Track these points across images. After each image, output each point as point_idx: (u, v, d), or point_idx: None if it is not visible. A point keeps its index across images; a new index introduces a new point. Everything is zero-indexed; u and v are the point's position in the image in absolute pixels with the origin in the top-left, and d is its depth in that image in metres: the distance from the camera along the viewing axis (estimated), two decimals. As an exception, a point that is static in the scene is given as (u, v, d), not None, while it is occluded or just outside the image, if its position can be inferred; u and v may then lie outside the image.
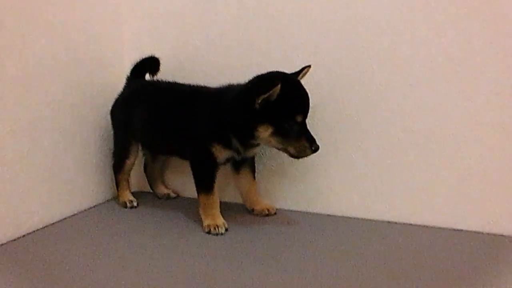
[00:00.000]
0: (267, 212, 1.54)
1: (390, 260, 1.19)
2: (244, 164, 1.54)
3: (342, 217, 1.54)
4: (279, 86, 1.23)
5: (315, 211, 1.59)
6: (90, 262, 1.18)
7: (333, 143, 1.53)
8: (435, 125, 1.41)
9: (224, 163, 1.47)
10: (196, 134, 1.41)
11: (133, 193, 1.76)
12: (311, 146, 1.31)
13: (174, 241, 1.33)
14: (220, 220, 1.40)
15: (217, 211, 1.41)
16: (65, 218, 1.50)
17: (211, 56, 1.64)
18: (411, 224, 1.45)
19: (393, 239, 1.34)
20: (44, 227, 1.42)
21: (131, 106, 1.58)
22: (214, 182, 1.41)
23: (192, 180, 1.52)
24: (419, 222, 1.45)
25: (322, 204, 1.58)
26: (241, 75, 1.41)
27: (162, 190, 1.74)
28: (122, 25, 1.75)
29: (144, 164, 1.77)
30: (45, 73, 1.42)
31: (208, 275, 1.10)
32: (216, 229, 1.36)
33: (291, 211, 1.61)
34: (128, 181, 1.67)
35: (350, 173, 1.53)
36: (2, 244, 1.29)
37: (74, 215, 1.54)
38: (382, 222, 1.49)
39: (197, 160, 1.43)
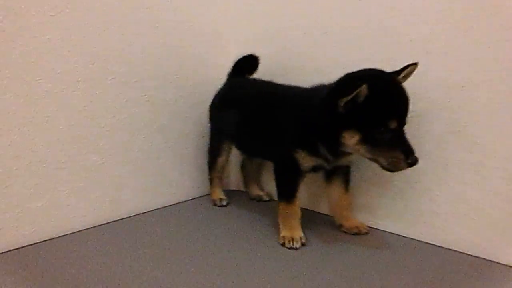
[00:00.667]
0: (356, 231, 1.37)
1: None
2: (337, 173, 1.39)
3: (447, 249, 1.28)
4: (364, 87, 1.05)
5: (414, 236, 1.35)
6: (156, 255, 1.21)
7: (442, 160, 1.28)
8: None
9: (313, 171, 1.34)
10: (281, 138, 1.32)
11: (229, 191, 1.78)
12: (407, 158, 1.10)
13: (246, 247, 1.27)
14: (298, 233, 1.29)
15: (296, 222, 1.30)
16: (156, 209, 1.58)
17: (312, 54, 1.52)
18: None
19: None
20: (136, 215, 1.52)
21: (225, 104, 1.56)
22: (297, 191, 1.30)
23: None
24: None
25: (423, 229, 1.34)
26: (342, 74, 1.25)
27: (255, 191, 1.70)
28: (225, 22, 1.75)
29: (242, 163, 1.75)
30: (144, 70, 1.49)
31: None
32: (291, 242, 1.26)
33: (387, 232, 1.41)
34: (221, 179, 1.67)
35: (461, 199, 1.26)
36: (102, 225, 1.42)
37: (166, 206, 1.61)
38: (500, 265, 1.19)
39: (280, 166, 1.34)
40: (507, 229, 1.19)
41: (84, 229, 1.38)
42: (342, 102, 1.10)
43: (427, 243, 1.32)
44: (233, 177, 1.85)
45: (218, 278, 1.08)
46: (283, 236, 1.28)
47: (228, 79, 1.62)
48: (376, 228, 1.43)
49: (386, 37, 1.35)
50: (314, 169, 1.31)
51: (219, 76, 1.64)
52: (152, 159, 1.56)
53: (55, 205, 1.32)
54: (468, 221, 1.26)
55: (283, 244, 1.27)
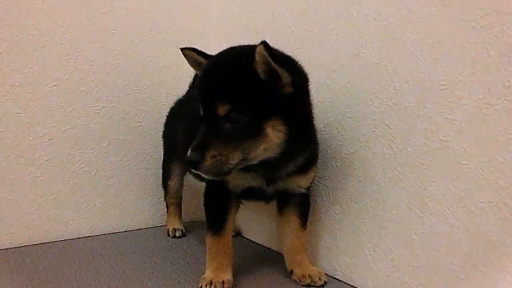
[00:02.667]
0: (308, 281, 1.04)
1: None
2: (291, 203, 1.09)
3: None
4: (189, 54, 0.99)
5: (386, 296, 0.98)
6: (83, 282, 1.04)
7: (419, 190, 0.91)
8: None
9: (251, 197, 1.08)
10: None
11: (200, 222, 1.54)
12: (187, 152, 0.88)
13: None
14: (222, 277, 1.00)
15: (225, 261, 1.02)
16: (102, 234, 1.40)
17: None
18: None
19: None
20: (76, 238, 1.35)
21: (173, 120, 1.37)
22: (226, 220, 1.03)
23: (255, 219, 1.19)
24: None
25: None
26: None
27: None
28: (198, 30, 1.57)
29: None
30: (97, 79, 1.37)
31: None
32: (209, 287, 0.97)
33: (352, 286, 1.05)
34: (176, 206, 1.44)
35: (445, 248, 0.88)
36: (22, 246, 1.26)
37: (115, 233, 1.43)
38: None
39: (207, 188, 1.08)
40: (508, 299, 0.78)
41: (11, 248, 1.25)
42: None
43: (401, 307, 0.94)
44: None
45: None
46: (203, 278, 1.01)
47: (186, 92, 1.42)
48: (339, 280, 1.08)
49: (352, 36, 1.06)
50: (251, 192, 1.03)
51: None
52: (103, 178, 1.40)
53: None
54: (455, 281, 0.86)
55: (200, 288, 0.99)
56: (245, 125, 0.86)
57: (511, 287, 0.77)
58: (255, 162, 0.91)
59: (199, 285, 1.00)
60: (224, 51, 0.96)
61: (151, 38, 1.47)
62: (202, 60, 0.98)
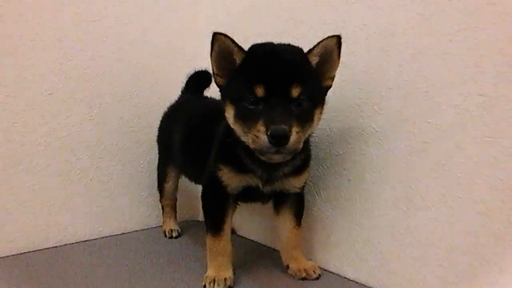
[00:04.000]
0: (304, 274, 1.12)
1: None
2: (287, 202, 1.16)
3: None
4: (218, 38, 0.96)
5: (376, 285, 1.07)
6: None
7: (405, 188, 1.00)
8: None
9: (248, 198, 1.14)
10: (205, 156, 1.12)
11: (195, 222, 1.60)
12: (267, 129, 0.86)
13: (167, 286, 1.07)
14: (224, 274, 1.06)
15: (225, 259, 1.08)
16: (101, 238, 1.43)
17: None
18: None
19: None
20: (75, 242, 1.37)
21: (168, 123, 1.41)
22: (224, 222, 1.09)
23: (250, 218, 1.25)
24: None
25: (386, 278, 1.05)
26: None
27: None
28: (189, 36, 1.62)
29: (203, 191, 1.57)
30: (90, 86, 1.39)
31: None
32: (212, 284, 1.04)
33: (344, 278, 1.13)
34: (172, 207, 1.49)
35: (429, 242, 0.97)
36: (23, 253, 1.28)
37: (114, 235, 1.45)
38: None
39: (205, 191, 1.14)
40: (485, 280, 0.87)
41: (11, 255, 1.27)
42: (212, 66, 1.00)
43: (391, 295, 1.03)
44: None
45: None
46: (206, 276, 1.07)
47: (179, 96, 1.47)
48: (332, 272, 1.17)
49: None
50: (248, 192, 1.09)
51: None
52: (99, 183, 1.43)
53: (-27, 228, 1.23)
54: (437, 269, 0.96)
55: (204, 286, 1.05)
56: (306, 109, 0.92)
57: (490, 274, 0.87)
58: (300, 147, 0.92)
59: (202, 284, 1.06)
60: (264, 44, 0.99)
61: (141, 45, 1.50)
62: (236, 49, 0.96)
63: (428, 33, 0.95)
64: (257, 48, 0.98)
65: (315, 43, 0.96)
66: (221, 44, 0.97)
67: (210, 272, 1.08)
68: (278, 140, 0.86)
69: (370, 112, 1.06)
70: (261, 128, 0.87)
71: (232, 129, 0.99)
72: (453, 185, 0.92)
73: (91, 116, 1.40)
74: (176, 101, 1.45)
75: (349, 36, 1.10)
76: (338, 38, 0.93)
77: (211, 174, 1.08)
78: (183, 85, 1.47)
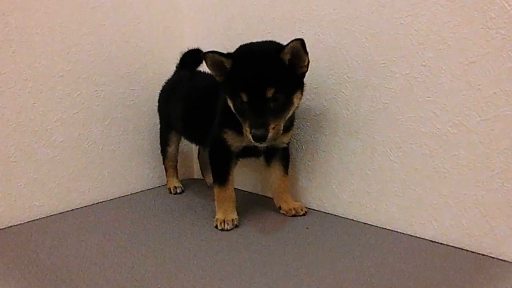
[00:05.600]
0: (294, 212, 1.41)
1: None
2: (276, 157, 1.42)
3: (379, 228, 1.30)
4: (211, 56, 1.18)
5: (349, 216, 1.38)
6: (112, 241, 1.27)
7: (369, 138, 1.29)
8: (498, 117, 1.04)
9: (248, 155, 1.38)
10: (211, 122, 1.36)
11: (192, 180, 1.85)
12: (250, 131, 1.13)
13: (186, 230, 1.32)
14: (231, 216, 1.33)
15: (230, 205, 1.35)
16: (114, 198, 1.66)
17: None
18: (460, 248, 1.13)
19: (432, 261, 1.07)
20: (93, 204, 1.60)
21: (169, 95, 1.62)
22: (229, 174, 1.34)
23: (242, 172, 1.46)
24: (472, 248, 1.12)
25: (357, 209, 1.36)
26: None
27: (210, 179, 1.73)
28: (176, 16, 1.81)
29: (198, 151, 1.81)
30: (95, 67, 1.58)
31: (194, 270, 1.06)
32: (223, 224, 1.30)
33: (325, 213, 1.43)
34: (175, 168, 1.73)
35: (388, 177, 1.27)
36: (52, 215, 1.50)
37: (124, 196, 1.69)
38: (424, 240, 1.20)
39: (212, 150, 1.38)
40: (429, 205, 1.19)
41: (41, 218, 1.48)
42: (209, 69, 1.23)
43: (362, 222, 1.34)
44: (196, 166, 1.91)
45: (152, 257, 1.14)
46: (217, 219, 1.33)
47: (174, 72, 1.67)
48: (315, 209, 1.46)
49: (311, 16, 1.38)
50: (247, 151, 1.34)
51: (172, 69, 1.71)
52: (108, 151, 1.65)
53: (9, 196, 1.42)
54: (396, 198, 1.27)
55: (216, 226, 1.32)
56: (283, 101, 1.15)
57: (434, 199, 1.18)
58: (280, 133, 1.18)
59: (214, 224, 1.32)
60: (247, 47, 1.21)
61: (136, 27, 1.68)
62: (224, 59, 1.17)
63: (384, 17, 1.20)
64: (240, 54, 1.20)
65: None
66: (211, 59, 1.20)
67: (219, 215, 1.34)
68: (258, 140, 1.13)
69: (341, 80, 1.32)
70: (247, 129, 1.14)
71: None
72: (405, 135, 1.21)
73: (97, 93, 1.59)
74: (174, 76, 1.66)
75: (320, 18, 1.35)
76: (301, 41, 1.13)
77: (217, 136, 1.32)
78: (177, 61, 1.67)
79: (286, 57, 1.16)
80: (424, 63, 1.14)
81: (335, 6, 1.31)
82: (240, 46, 1.23)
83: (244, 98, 1.14)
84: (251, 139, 1.13)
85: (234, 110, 1.20)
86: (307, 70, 1.21)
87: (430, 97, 1.15)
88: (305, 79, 1.24)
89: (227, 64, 1.18)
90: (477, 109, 1.07)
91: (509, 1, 1.00)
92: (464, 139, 1.11)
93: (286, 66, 1.16)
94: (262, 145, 1.18)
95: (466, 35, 1.07)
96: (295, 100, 1.20)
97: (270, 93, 1.13)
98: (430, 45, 1.13)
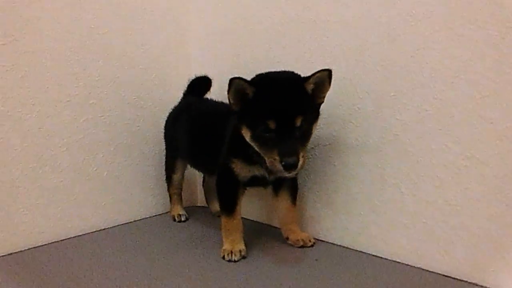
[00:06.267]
0: (302, 243, 1.38)
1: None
2: (284, 186, 1.41)
3: (389, 260, 1.27)
4: (238, 82, 1.14)
5: (358, 248, 1.35)
6: (113, 266, 1.24)
7: (379, 169, 1.28)
8: (507, 152, 1.04)
9: (255, 184, 1.37)
10: (219, 151, 1.35)
11: (196, 207, 1.83)
12: (282, 160, 1.10)
13: (191, 260, 1.30)
14: (238, 247, 1.30)
15: (237, 235, 1.32)
16: (118, 225, 1.63)
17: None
18: (474, 284, 1.11)
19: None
20: (96, 231, 1.57)
21: (175, 122, 1.62)
22: (237, 204, 1.32)
23: (249, 201, 1.44)
24: (486, 283, 1.10)
25: (366, 241, 1.33)
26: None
27: (215, 207, 1.72)
28: (183, 43, 1.82)
29: (203, 179, 1.79)
30: (102, 92, 1.57)
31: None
32: (230, 255, 1.28)
33: (333, 244, 1.41)
34: (179, 195, 1.71)
35: (398, 208, 1.26)
36: (53, 242, 1.46)
37: (128, 223, 1.66)
38: (435, 274, 1.18)
39: (220, 179, 1.36)
40: (441, 238, 1.18)
41: (43, 245, 1.44)
42: (229, 98, 1.19)
43: (370, 254, 1.32)
44: (200, 193, 1.89)
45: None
46: (224, 249, 1.31)
47: (181, 99, 1.68)
48: (323, 240, 1.44)
49: (324, 53, 1.39)
50: (255, 180, 1.33)
51: (178, 96, 1.71)
52: (113, 177, 1.63)
53: (10, 222, 1.39)
54: (406, 230, 1.25)
55: (223, 257, 1.29)
56: (307, 130, 1.16)
57: (447, 235, 1.17)
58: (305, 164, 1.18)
59: (221, 255, 1.29)
60: (269, 76, 1.22)
61: (143, 53, 1.69)
62: (247, 86, 1.16)
63: (395, 49, 1.22)
64: (264, 83, 1.19)
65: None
66: (236, 85, 1.17)
67: (226, 246, 1.31)
68: (290, 168, 1.11)
69: (351, 111, 1.32)
70: (277, 158, 1.11)
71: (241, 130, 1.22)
72: (416, 167, 1.21)
73: (103, 118, 1.59)
74: (181, 103, 1.66)
75: (330, 48, 1.36)
76: (329, 71, 1.17)
77: (225, 166, 1.30)
78: (185, 88, 1.67)
79: (310, 87, 1.17)
80: (435, 96, 1.15)
81: (346, 37, 1.32)
82: (260, 75, 1.23)
83: (272, 126, 1.12)
84: (281, 168, 1.11)
85: (253, 140, 1.18)
86: (324, 101, 1.22)
87: (442, 130, 1.15)
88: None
89: (250, 92, 1.16)
90: (490, 143, 1.07)
91: (522, 37, 1.01)
92: (476, 172, 1.10)
93: (309, 95, 1.18)
94: (290, 174, 1.16)
95: (478, 69, 1.07)
96: (314, 129, 1.20)
97: (299, 121, 1.13)
98: (441, 78, 1.14)
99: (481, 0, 1.06)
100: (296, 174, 1.38)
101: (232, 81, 1.15)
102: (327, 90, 1.20)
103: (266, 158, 1.15)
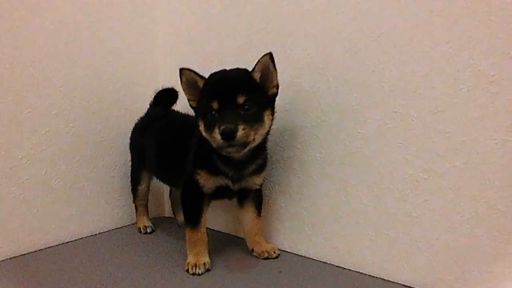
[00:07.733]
0: (266, 255, 1.38)
1: None
2: (249, 198, 1.41)
3: (352, 271, 1.29)
4: (189, 74, 1.22)
5: (323, 259, 1.36)
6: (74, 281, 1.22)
7: (343, 181, 1.30)
8: (467, 164, 1.07)
9: (220, 196, 1.36)
10: (183, 162, 1.34)
11: (163, 218, 1.80)
12: (220, 128, 1.10)
13: (155, 273, 1.27)
14: (202, 259, 1.29)
15: (202, 248, 1.31)
16: (83, 238, 1.60)
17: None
18: (432, 293, 1.13)
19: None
20: (59, 244, 1.53)
21: (141, 133, 1.60)
22: (201, 216, 1.31)
23: (215, 212, 1.44)
24: (444, 292, 1.12)
25: (330, 252, 1.34)
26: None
27: (182, 218, 1.70)
28: (152, 51, 1.81)
29: (170, 189, 1.77)
30: (66, 103, 1.54)
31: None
32: (194, 268, 1.26)
33: (298, 255, 1.41)
34: (145, 206, 1.69)
35: (361, 220, 1.28)
36: (11, 258, 1.41)
37: (93, 235, 1.63)
38: (397, 284, 1.19)
39: (184, 191, 1.35)
40: (402, 249, 1.20)
41: (0, 260, 1.40)
42: (185, 93, 1.27)
43: (334, 265, 1.33)
44: (167, 204, 1.87)
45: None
46: (188, 262, 1.29)
47: (148, 110, 1.66)
48: (288, 252, 1.44)
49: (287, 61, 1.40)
50: (220, 191, 1.32)
51: (145, 106, 1.69)
52: (77, 189, 1.59)
53: (-33, 238, 1.34)
54: (369, 242, 1.27)
55: (187, 270, 1.28)
56: (254, 112, 1.15)
57: (408, 246, 1.19)
58: (254, 144, 1.18)
59: (185, 268, 1.28)
60: (222, 70, 1.24)
61: (109, 63, 1.66)
62: (198, 78, 1.22)
63: (356, 63, 1.24)
64: (213, 74, 1.24)
65: None
66: (187, 76, 1.23)
67: (191, 259, 1.30)
68: (227, 135, 1.10)
69: (314, 123, 1.34)
70: (216, 130, 1.11)
71: (205, 139, 1.21)
72: (378, 179, 1.23)
73: (67, 129, 1.55)
74: (147, 114, 1.64)
75: (295, 61, 1.37)
76: (270, 54, 1.19)
77: (190, 177, 1.29)
78: (151, 99, 1.66)
79: (257, 75, 1.20)
80: (395, 110, 1.17)
81: (310, 50, 1.33)
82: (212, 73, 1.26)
83: (215, 106, 1.14)
84: (220, 139, 1.10)
85: (204, 129, 1.18)
86: (277, 93, 1.24)
87: (402, 143, 1.17)
88: (279, 121, 1.25)
89: (200, 83, 1.22)
90: (446, 156, 1.10)
91: (474, 57, 1.04)
92: (434, 185, 1.13)
93: (257, 84, 1.20)
94: (233, 149, 1.13)
95: (435, 85, 1.10)
96: (266, 118, 1.20)
97: (241, 99, 1.14)
98: (400, 92, 1.16)
99: (438, 17, 1.09)
100: (261, 185, 1.39)
101: (182, 71, 1.21)
102: (275, 78, 1.22)
103: (211, 141, 1.16)
